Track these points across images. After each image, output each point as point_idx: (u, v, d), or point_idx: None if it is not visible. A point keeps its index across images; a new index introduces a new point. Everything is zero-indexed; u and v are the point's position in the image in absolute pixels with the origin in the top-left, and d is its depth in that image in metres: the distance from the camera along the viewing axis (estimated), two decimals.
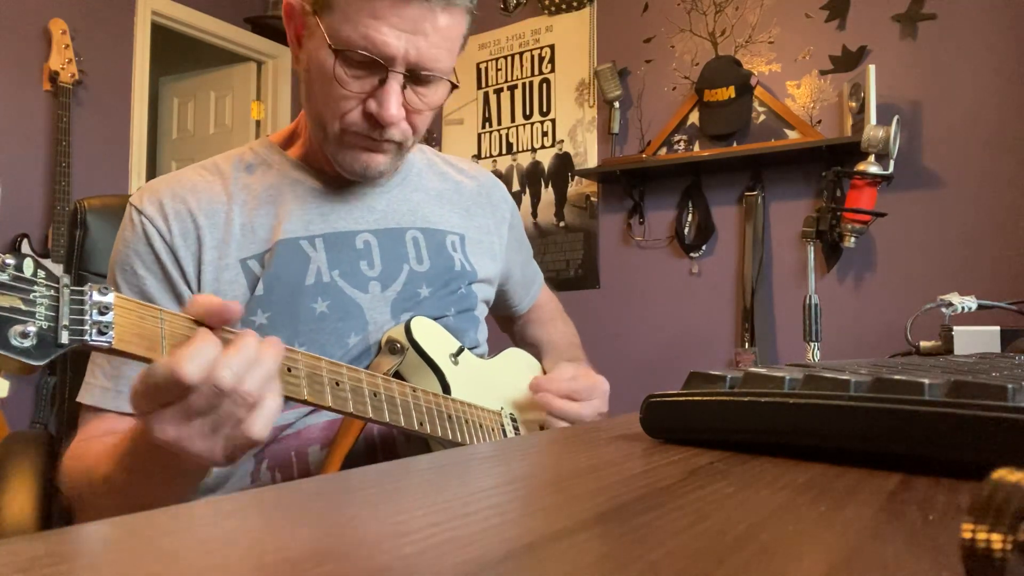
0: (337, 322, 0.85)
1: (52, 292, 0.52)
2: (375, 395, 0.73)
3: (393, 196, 0.94)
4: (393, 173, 0.94)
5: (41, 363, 0.51)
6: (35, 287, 0.51)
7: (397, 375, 0.85)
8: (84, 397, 0.82)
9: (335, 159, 0.86)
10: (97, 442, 0.76)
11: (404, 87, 0.80)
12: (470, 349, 0.94)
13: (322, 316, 0.85)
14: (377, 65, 0.78)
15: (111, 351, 0.55)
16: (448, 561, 0.20)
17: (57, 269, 0.54)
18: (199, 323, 0.60)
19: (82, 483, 0.73)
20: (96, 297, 0.54)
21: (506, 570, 0.19)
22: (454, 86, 0.84)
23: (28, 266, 0.51)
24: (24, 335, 0.50)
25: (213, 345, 0.56)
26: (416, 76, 0.80)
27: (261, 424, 0.58)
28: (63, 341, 0.52)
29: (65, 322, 0.52)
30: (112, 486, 0.68)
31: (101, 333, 0.54)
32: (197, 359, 0.55)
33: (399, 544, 0.22)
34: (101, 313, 0.54)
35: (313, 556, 0.20)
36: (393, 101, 0.79)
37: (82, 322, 0.53)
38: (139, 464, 0.64)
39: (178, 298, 0.83)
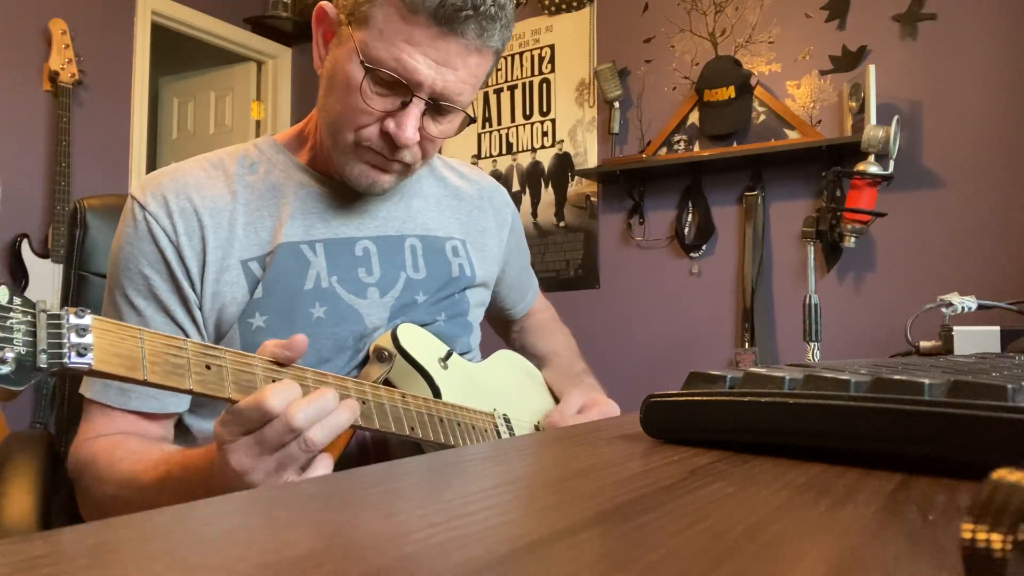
0: (334, 327, 0.86)
1: (29, 318, 0.53)
2: (364, 403, 0.73)
3: (393, 204, 0.95)
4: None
5: (21, 388, 0.52)
6: (11, 314, 0.52)
7: (387, 383, 0.84)
8: (87, 391, 0.82)
9: (343, 170, 0.85)
10: (123, 448, 0.77)
11: (424, 113, 0.82)
12: (461, 354, 0.94)
13: (319, 321, 0.85)
14: (403, 88, 0.79)
15: (91, 372, 0.56)
16: (448, 561, 0.20)
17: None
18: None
19: (110, 490, 0.76)
20: (73, 320, 0.55)
21: (506, 570, 0.19)
22: (471, 120, 0.86)
23: (3, 294, 0.52)
24: (2, 361, 0.51)
25: (296, 388, 0.63)
26: (437, 105, 0.82)
27: (318, 475, 0.64)
28: (42, 365, 0.53)
29: (43, 346, 0.53)
30: (150, 506, 0.72)
31: (80, 355, 0.55)
32: (282, 394, 0.61)
33: (399, 544, 0.22)
34: (79, 335, 0.55)
35: (313, 556, 0.20)
36: (411, 125, 0.80)
37: (60, 345, 0.54)
38: (188, 498, 0.70)
39: (182, 297, 0.83)
